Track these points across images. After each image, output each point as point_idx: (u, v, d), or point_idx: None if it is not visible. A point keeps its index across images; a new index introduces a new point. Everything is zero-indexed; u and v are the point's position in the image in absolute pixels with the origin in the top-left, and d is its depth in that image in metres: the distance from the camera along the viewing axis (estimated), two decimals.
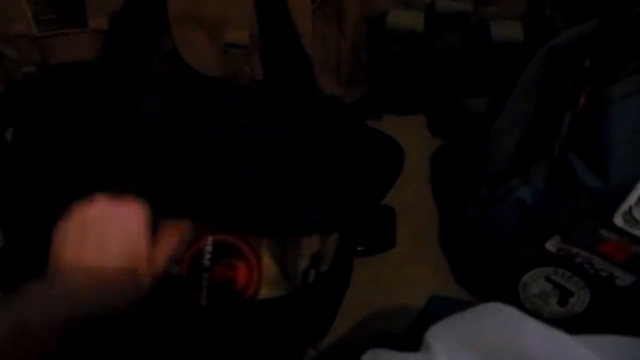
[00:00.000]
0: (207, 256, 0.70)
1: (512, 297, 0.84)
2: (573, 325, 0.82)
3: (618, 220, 0.71)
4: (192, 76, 0.81)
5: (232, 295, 0.71)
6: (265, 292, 0.72)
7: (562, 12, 0.84)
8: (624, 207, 0.70)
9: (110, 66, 0.79)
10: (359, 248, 0.87)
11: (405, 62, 0.83)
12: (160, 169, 0.69)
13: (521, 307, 0.84)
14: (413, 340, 0.60)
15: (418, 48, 0.81)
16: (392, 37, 0.80)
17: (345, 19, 0.83)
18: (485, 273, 0.86)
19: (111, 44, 0.81)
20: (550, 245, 0.77)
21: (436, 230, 0.96)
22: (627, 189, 0.69)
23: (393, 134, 0.97)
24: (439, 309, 0.90)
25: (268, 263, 0.72)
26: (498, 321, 0.57)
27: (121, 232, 0.59)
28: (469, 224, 0.84)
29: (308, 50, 0.80)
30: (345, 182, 0.72)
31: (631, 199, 0.70)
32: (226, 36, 0.80)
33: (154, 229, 0.61)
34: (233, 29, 0.79)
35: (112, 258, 0.57)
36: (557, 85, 0.74)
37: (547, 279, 0.81)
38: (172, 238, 0.62)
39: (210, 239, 0.71)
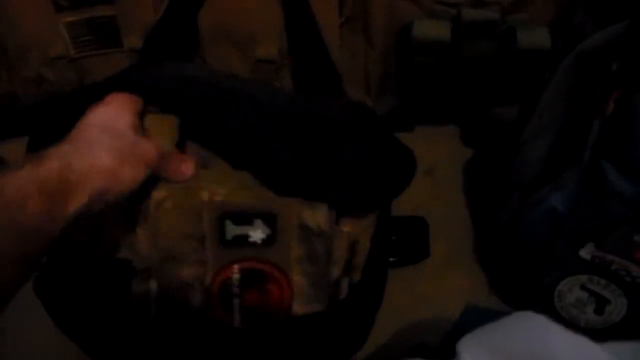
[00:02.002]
0: (236, 284, 0.69)
1: (548, 306, 0.82)
2: (611, 334, 0.81)
3: None
4: None
5: (265, 317, 0.70)
6: (298, 310, 0.72)
7: (592, 16, 0.83)
8: None
9: None
10: (391, 259, 0.85)
11: (433, 72, 0.82)
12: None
13: (558, 316, 0.82)
14: (447, 350, 0.59)
15: (445, 58, 0.80)
16: (418, 47, 0.79)
17: (372, 31, 0.83)
18: (520, 282, 0.84)
19: (145, 63, 0.82)
20: (585, 253, 0.75)
21: (470, 239, 0.95)
22: None
23: (425, 144, 0.97)
24: (473, 319, 0.88)
25: (299, 280, 0.71)
26: (528, 330, 0.55)
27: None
28: (501, 231, 0.82)
29: (336, 63, 0.81)
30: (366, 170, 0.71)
31: None
32: (256, 51, 0.80)
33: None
34: (263, 44, 0.80)
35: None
36: (586, 90, 0.72)
37: (583, 287, 0.79)
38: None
39: (236, 267, 0.69)
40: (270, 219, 0.67)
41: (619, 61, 0.68)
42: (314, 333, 0.73)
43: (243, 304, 0.70)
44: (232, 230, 0.67)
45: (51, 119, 0.68)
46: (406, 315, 0.91)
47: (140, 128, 0.64)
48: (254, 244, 0.68)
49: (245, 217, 0.67)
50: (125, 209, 0.66)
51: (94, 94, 0.64)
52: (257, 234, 0.67)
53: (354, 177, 0.70)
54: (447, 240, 0.94)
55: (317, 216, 0.68)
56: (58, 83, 0.89)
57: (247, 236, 0.67)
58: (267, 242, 0.67)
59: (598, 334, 0.82)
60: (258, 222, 0.67)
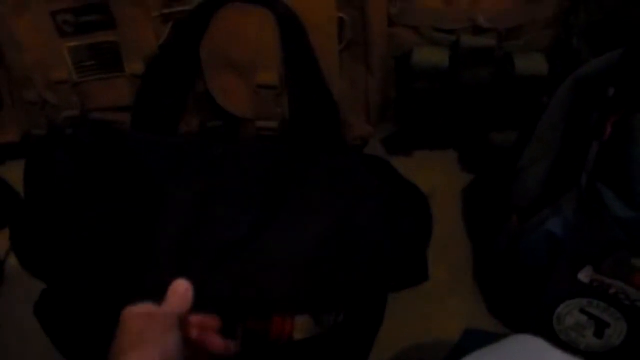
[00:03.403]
0: None
1: (548, 330, 0.81)
2: (611, 358, 0.81)
3: None
4: (224, 117, 0.83)
5: (267, 344, 0.70)
6: (298, 336, 0.72)
7: (589, 42, 0.84)
8: None
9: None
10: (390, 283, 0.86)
11: (432, 98, 0.82)
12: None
13: (557, 339, 0.82)
14: None
15: (444, 84, 0.81)
16: (418, 74, 0.80)
17: (372, 58, 0.83)
18: (519, 305, 0.84)
19: (147, 89, 0.83)
20: (583, 277, 0.75)
21: (470, 263, 0.95)
22: None
23: (424, 169, 0.98)
24: (473, 342, 0.88)
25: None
26: (526, 353, 0.56)
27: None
28: (501, 255, 0.82)
29: (337, 90, 0.81)
30: (377, 250, 0.73)
31: None
32: (257, 78, 0.81)
33: None
34: (263, 71, 0.80)
35: None
36: (583, 116, 0.73)
37: (582, 311, 0.78)
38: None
39: None
40: None
41: (615, 87, 0.69)
42: (312, 356, 0.73)
43: (246, 330, 0.70)
44: None
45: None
46: (406, 337, 0.91)
47: None
48: None
49: None
50: None
51: None
52: None
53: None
54: (446, 264, 0.94)
55: None
56: (60, 107, 0.89)
57: None
58: None
59: (599, 358, 0.82)
60: None
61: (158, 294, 0.57)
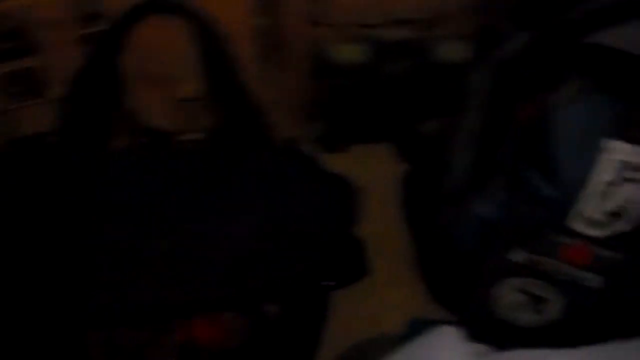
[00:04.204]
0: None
1: (488, 311, 0.83)
2: (552, 331, 0.82)
3: (576, 224, 0.70)
4: (149, 134, 0.82)
5: (198, 353, 0.70)
6: (233, 342, 0.72)
7: (516, 24, 0.84)
8: (579, 209, 0.70)
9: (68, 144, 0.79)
10: (327, 283, 0.86)
11: (354, 94, 0.83)
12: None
13: (498, 319, 0.83)
14: None
15: (366, 79, 0.81)
16: (337, 71, 0.80)
17: (293, 58, 0.84)
18: (459, 291, 0.85)
19: (69, 110, 0.81)
20: (515, 257, 0.76)
21: (410, 253, 0.95)
22: (579, 192, 0.69)
23: (359, 164, 0.98)
24: (420, 331, 0.89)
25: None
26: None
27: None
28: (436, 243, 0.83)
29: (261, 94, 0.81)
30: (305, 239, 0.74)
31: (588, 200, 0.69)
32: (178, 91, 0.81)
33: None
34: (184, 84, 0.80)
35: None
36: (503, 99, 0.74)
37: (519, 290, 0.79)
38: None
39: None
40: None
41: (530, 69, 0.70)
42: None
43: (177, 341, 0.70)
44: None
45: None
46: (353, 334, 0.90)
47: None
48: None
49: None
50: None
51: None
52: None
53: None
54: (387, 257, 0.94)
55: None
56: None
57: None
58: None
59: (540, 333, 0.84)
60: None
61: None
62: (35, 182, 0.73)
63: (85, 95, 0.81)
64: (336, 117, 0.90)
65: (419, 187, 0.95)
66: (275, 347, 0.72)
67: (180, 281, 0.70)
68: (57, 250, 0.69)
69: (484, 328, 0.87)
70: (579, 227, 0.70)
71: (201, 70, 0.79)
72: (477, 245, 0.77)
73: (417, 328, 0.89)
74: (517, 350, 0.65)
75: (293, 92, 0.87)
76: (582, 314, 0.79)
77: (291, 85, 0.86)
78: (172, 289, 0.69)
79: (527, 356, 0.58)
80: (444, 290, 0.90)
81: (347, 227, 0.80)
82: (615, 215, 0.70)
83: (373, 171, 1.01)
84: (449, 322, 0.90)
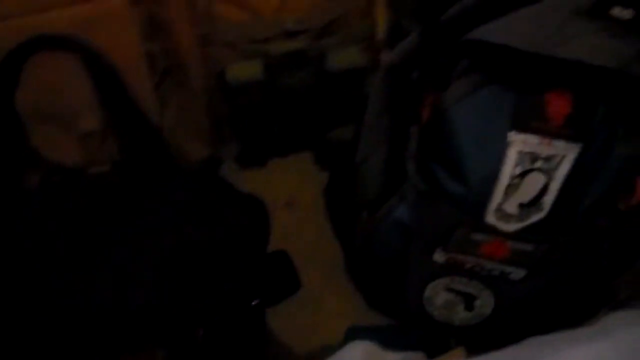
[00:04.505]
0: None
1: (422, 313, 0.82)
2: (487, 326, 0.81)
3: (491, 219, 0.69)
4: (57, 171, 0.80)
5: None
6: None
7: (420, 21, 0.83)
8: (494, 204, 0.68)
9: None
10: (256, 301, 0.84)
11: (256, 111, 0.81)
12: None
13: (432, 320, 0.82)
14: None
15: (264, 95, 0.80)
16: (236, 90, 0.78)
17: (192, 81, 0.81)
18: (391, 295, 0.84)
19: None
20: (438, 257, 0.74)
21: (341, 262, 0.93)
22: (489, 188, 0.67)
23: (281, 176, 0.97)
24: (358, 339, 0.88)
25: None
26: None
27: None
28: (361, 251, 0.82)
29: (163, 119, 0.79)
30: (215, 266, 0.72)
31: (498, 195, 0.68)
32: (79, 125, 0.78)
33: None
34: (84, 118, 0.77)
35: None
36: (401, 102, 0.73)
37: (448, 289, 0.78)
38: None
39: None
40: None
41: (419, 69, 0.69)
42: None
43: None
44: None
45: None
46: (293, 348, 0.90)
47: None
48: None
49: None
50: None
51: None
52: None
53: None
54: (319, 268, 0.93)
55: None
56: None
57: None
58: None
59: (475, 329, 0.83)
60: None
61: None
62: None
63: None
64: (243, 134, 0.88)
65: (340, 195, 0.94)
66: None
67: (97, 318, 0.68)
68: None
69: (422, 330, 0.87)
70: (495, 222, 0.69)
71: (99, 102, 0.78)
72: (399, 248, 0.76)
73: (355, 336, 0.89)
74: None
75: (197, 114, 0.85)
76: (512, 307, 0.79)
77: (194, 106, 0.84)
78: (88, 328, 0.68)
79: None
80: (378, 296, 0.89)
81: (263, 246, 0.78)
82: (529, 206, 0.69)
83: (295, 182, 1.00)
84: (387, 327, 0.90)
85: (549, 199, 0.68)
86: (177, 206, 0.72)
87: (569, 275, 0.75)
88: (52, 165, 0.81)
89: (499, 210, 0.69)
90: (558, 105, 0.66)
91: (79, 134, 0.78)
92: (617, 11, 0.59)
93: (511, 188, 0.68)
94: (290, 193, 0.95)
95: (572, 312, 0.80)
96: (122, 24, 0.73)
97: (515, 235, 0.69)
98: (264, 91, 0.79)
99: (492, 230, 0.69)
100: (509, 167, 0.67)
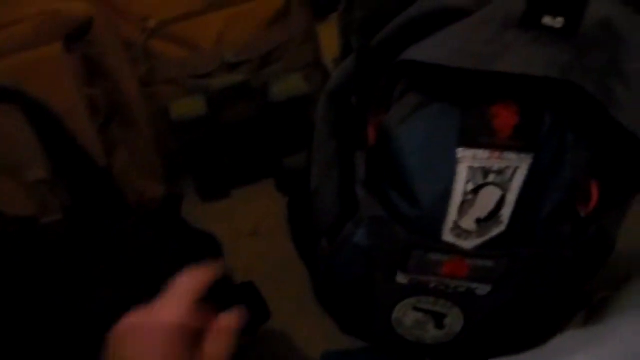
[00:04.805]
0: None
1: (393, 335, 0.80)
2: (460, 342, 0.80)
3: (449, 237, 0.68)
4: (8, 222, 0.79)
5: None
6: None
7: (368, 39, 0.82)
8: (449, 222, 0.67)
9: None
10: None
11: (203, 145, 0.80)
12: None
13: (404, 341, 0.81)
14: None
15: (209, 130, 0.78)
16: (181, 126, 0.77)
17: (138, 122, 0.80)
18: (359, 319, 0.82)
19: None
20: (401, 279, 0.73)
21: (310, 288, 0.91)
22: (442, 207, 0.66)
23: (244, 206, 0.95)
24: None
25: None
26: None
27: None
28: (324, 277, 0.80)
29: (113, 162, 0.78)
30: None
31: (453, 213, 0.67)
32: (27, 175, 0.77)
33: None
34: (31, 168, 0.76)
35: None
36: (345, 126, 0.71)
37: (416, 309, 0.76)
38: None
39: None
40: None
41: (357, 94, 0.68)
42: None
43: None
44: None
45: None
46: None
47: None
48: None
49: None
50: None
51: None
52: None
53: None
54: (288, 295, 0.92)
55: None
56: None
57: None
58: None
59: (449, 346, 0.81)
60: None
61: None
62: None
63: None
64: (197, 168, 0.87)
65: (300, 222, 0.92)
66: None
67: None
68: None
69: (396, 352, 0.85)
70: (454, 240, 0.68)
71: (44, 151, 0.76)
72: (363, 273, 0.74)
73: None
74: None
75: (147, 153, 0.83)
76: (483, 322, 0.77)
77: (143, 146, 0.83)
78: None
79: None
80: (348, 320, 0.87)
81: (223, 281, 0.77)
82: (487, 220, 0.68)
83: (261, 210, 0.98)
84: (361, 351, 0.88)
85: (507, 212, 0.67)
86: (129, 252, 0.71)
87: (537, 286, 0.73)
88: (7, 216, 0.79)
89: (456, 227, 0.68)
90: (504, 118, 0.65)
91: (27, 184, 0.76)
92: (548, 20, 0.58)
93: (466, 205, 0.67)
94: (255, 221, 0.93)
95: (546, 320, 0.79)
96: (59, 70, 0.72)
97: (473, 253, 0.68)
98: (208, 126, 0.78)
99: (449, 250, 0.68)
100: (460, 184, 0.66)
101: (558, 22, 0.58)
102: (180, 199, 0.91)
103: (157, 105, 0.80)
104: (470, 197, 0.66)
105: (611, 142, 0.65)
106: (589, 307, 0.77)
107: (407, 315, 0.77)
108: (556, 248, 0.70)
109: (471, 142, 0.65)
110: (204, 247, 0.77)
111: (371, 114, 0.67)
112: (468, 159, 0.65)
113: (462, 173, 0.66)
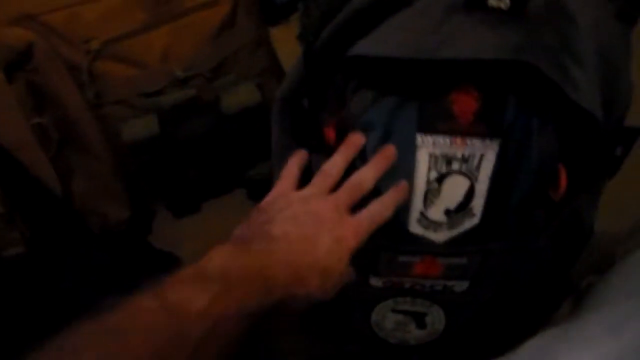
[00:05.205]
0: None
1: (375, 339, 0.77)
2: (445, 341, 0.77)
3: (416, 229, 0.66)
4: None
5: None
6: None
7: None
8: (415, 212, 0.65)
9: None
10: None
11: (161, 164, 0.78)
12: None
13: (388, 344, 0.78)
14: None
15: (165, 148, 0.76)
16: (135, 148, 0.75)
17: (93, 146, 0.78)
18: (340, 327, 0.80)
19: None
20: (375, 282, 0.71)
21: None
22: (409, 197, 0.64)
23: (217, 219, 0.93)
24: None
25: None
26: None
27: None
28: None
29: (72, 189, 0.76)
30: None
31: (418, 202, 0.65)
32: None
33: None
34: None
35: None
36: (302, 130, 0.69)
37: (395, 311, 0.74)
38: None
39: None
40: None
41: (308, 97, 0.65)
42: None
43: None
44: None
45: None
46: None
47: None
48: None
49: None
50: None
51: None
52: None
53: None
54: None
55: None
56: None
57: None
58: None
59: (434, 345, 0.79)
60: None
61: None
62: None
63: None
64: (160, 187, 0.84)
65: None
66: None
67: None
68: None
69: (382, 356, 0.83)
70: (423, 232, 0.66)
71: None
72: None
73: None
74: None
75: (105, 176, 0.81)
76: (466, 319, 0.74)
77: (101, 170, 0.80)
78: None
79: None
80: (328, 330, 0.85)
81: None
82: (458, 211, 0.66)
83: (233, 221, 0.95)
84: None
85: (478, 203, 0.65)
86: (91, 277, 0.69)
87: (516, 279, 0.71)
88: None
89: (424, 218, 0.66)
90: (464, 103, 0.63)
91: None
92: (494, 2, 0.56)
93: (431, 194, 0.65)
94: (227, 234, 0.91)
95: (532, 311, 0.76)
96: (2, 101, 0.69)
97: (445, 252, 0.66)
98: (164, 144, 0.76)
99: (419, 250, 0.65)
100: (422, 172, 0.64)
101: (504, 3, 0.55)
102: (150, 217, 0.88)
103: (110, 127, 0.78)
104: (434, 185, 0.65)
105: (574, 124, 0.63)
106: (575, 293, 0.75)
107: (386, 318, 0.75)
108: (530, 238, 0.67)
109: (429, 129, 0.63)
110: (164, 267, 0.74)
111: (328, 114, 0.65)
112: (428, 146, 0.64)
113: (422, 160, 0.64)
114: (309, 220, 0.58)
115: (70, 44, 0.74)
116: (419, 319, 0.75)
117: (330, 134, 0.67)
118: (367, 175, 0.61)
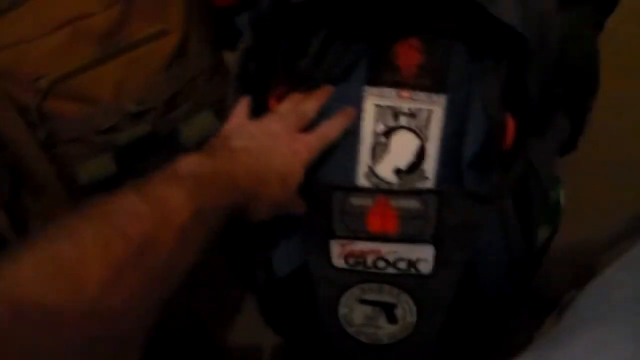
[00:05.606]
0: None
1: (346, 338, 0.74)
2: (422, 337, 0.73)
3: (364, 183, 0.67)
4: None
5: None
6: None
7: None
8: (363, 165, 0.67)
9: None
10: None
11: None
12: None
13: (360, 343, 0.74)
14: None
15: (123, 186, 0.76)
16: (93, 190, 0.73)
17: (47, 187, 0.76)
18: (312, 331, 0.76)
19: None
20: (337, 262, 0.70)
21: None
22: (352, 146, 0.67)
23: None
24: None
25: None
26: None
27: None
28: (265, 290, 0.77)
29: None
30: None
31: (365, 155, 0.67)
32: None
33: None
34: None
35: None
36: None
37: (362, 302, 0.72)
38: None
39: None
40: None
41: (253, 61, 0.70)
42: None
43: None
44: None
45: None
46: None
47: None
48: None
49: None
50: None
51: None
52: None
53: None
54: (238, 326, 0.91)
55: None
56: None
57: None
58: None
59: (409, 345, 0.74)
60: None
61: None
62: None
63: None
64: None
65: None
66: None
67: None
68: None
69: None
70: (368, 184, 0.67)
71: None
72: (298, 262, 0.72)
73: None
74: None
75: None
76: (437, 308, 0.72)
77: (59, 213, 0.78)
78: None
79: None
80: (298, 333, 0.81)
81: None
82: (409, 172, 0.67)
83: None
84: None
85: (430, 166, 0.67)
86: None
87: (483, 254, 0.70)
88: None
89: (372, 174, 0.67)
90: (407, 56, 0.66)
91: None
92: None
93: (379, 148, 0.67)
94: None
95: (503, 302, 0.75)
96: None
97: (397, 191, 0.67)
98: (121, 183, 0.75)
99: (371, 189, 0.67)
100: (369, 122, 0.67)
101: None
102: None
103: (65, 167, 0.77)
104: (382, 139, 0.67)
105: (515, 66, 0.65)
106: (557, 309, 0.74)
107: (354, 310, 0.72)
108: (484, 186, 0.67)
109: (376, 80, 0.66)
110: None
111: (275, 80, 0.70)
112: (374, 97, 0.66)
113: (368, 110, 0.67)
114: (265, 136, 0.63)
115: (19, 84, 0.73)
116: (389, 311, 0.72)
117: (273, 104, 0.70)
118: (310, 106, 0.67)
